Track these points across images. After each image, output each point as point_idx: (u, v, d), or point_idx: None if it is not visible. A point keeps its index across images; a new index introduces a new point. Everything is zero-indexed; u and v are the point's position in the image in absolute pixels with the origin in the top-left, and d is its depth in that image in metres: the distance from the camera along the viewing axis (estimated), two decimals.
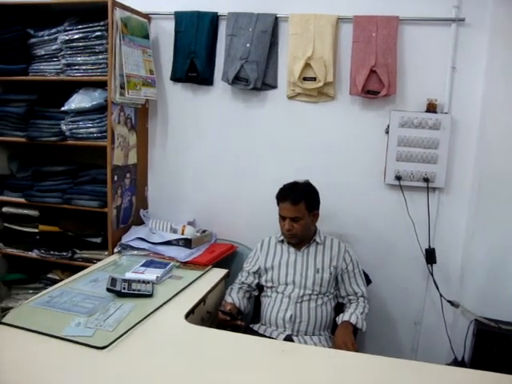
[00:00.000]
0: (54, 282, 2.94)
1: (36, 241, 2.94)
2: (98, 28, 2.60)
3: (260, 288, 2.52)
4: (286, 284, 2.37)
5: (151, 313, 1.99)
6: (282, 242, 2.49)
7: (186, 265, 2.60)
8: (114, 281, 2.18)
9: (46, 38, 2.73)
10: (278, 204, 2.41)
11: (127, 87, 2.59)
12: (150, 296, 2.14)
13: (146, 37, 2.81)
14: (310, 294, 2.34)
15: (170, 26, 2.91)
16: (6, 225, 3.03)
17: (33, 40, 2.76)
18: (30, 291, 3.06)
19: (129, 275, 2.32)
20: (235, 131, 2.93)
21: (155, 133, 3.07)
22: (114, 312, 1.96)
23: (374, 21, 2.60)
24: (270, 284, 2.42)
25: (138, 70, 2.67)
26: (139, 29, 2.74)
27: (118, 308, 2.00)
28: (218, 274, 2.54)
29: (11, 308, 2.89)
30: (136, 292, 2.13)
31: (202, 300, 2.23)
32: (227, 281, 2.59)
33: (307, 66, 2.67)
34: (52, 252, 2.89)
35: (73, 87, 2.79)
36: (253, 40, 2.72)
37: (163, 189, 3.11)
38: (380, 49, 2.60)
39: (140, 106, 2.90)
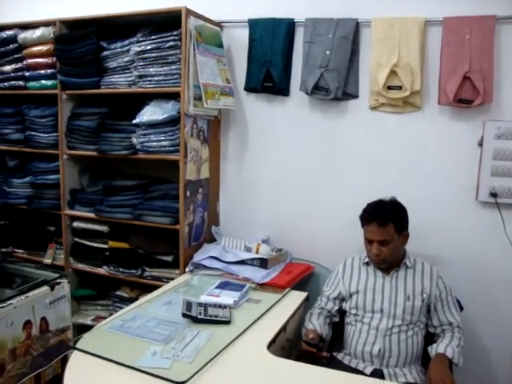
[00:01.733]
0: (123, 299, 2.89)
1: (105, 257, 2.87)
2: (171, 38, 2.50)
3: (342, 312, 2.32)
4: (373, 312, 2.16)
5: (231, 342, 1.84)
6: (368, 264, 2.28)
7: (262, 287, 2.45)
8: (189, 305, 2.06)
9: (119, 50, 2.66)
10: (363, 226, 2.20)
11: (205, 97, 2.47)
12: (227, 323, 1.99)
13: (220, 45, 2.69)
14: (399, 325, 2.11)
15: (243, 35, 2.78)
16: (76, 239, 2.99)
17: (105, 53, 2.70)
18: (99, 307, 3.01)
19: (204, 298, 2.18)
20: (313, 144, 2.75)
21: (228, 146, 2.95)
22: (190, 340, 1.83)
23: (467, 22, 2.37)
24: (354, 311, 2.22)
25: (214, 79, 2.56)
26: (213, 37, 2.63)
27: (195, 336, 1.87)
28: (297, 297, 2.37)
29: (81, 324, 2.87)
30: (213, 318, 1.99)
31: (283, 328, 2.06)
32: (306, 305, 2.41)
33: (392, 73, 2.47)
34: (121, 269, 2.81)
35: (144, 99, 2.71)
36: (333, 47, 2.54)
37: (235, 204, 2.97)
38: (474, 53, 2.36)
39: (213, 118, 2.78)
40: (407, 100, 2.51)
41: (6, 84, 3.05)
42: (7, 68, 3.03)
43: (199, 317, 1.98)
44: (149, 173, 2.92)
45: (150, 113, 2.60)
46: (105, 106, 2.83)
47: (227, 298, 2.20)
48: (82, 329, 2.94)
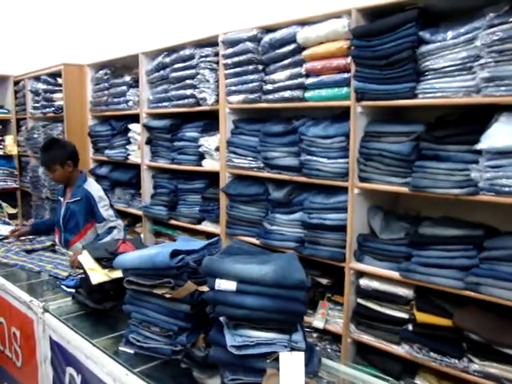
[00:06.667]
0: None
1: (408, 332, 2.05)
2: None
3: None
4: None
5: None
6: None
7: None
8: None
9: (451, 41, 1.84)
10: None
11: None
12: None
13: None
14: None
15: None
16: (360, 301, 2.23)
17: (427, 47, 1.90)
18: None
19: None
20: None
21: None
22: None
23: None
24: None
25: None
26: None
27: None
28: None
29: None
30: None
31: None
32: None
33: None
34: (433, 354, 1.96)
35: (489, 113, 1.84)
36: None
37: None
38: None
39: None
40: None
41: (275, 95, 2.45)
42: (280, 75, 2.43)
43: None
44: (453, 214, 2.08)
45: (505, 134, 1.72)
46: (416, 122, 2.04)
47: None
48: None
